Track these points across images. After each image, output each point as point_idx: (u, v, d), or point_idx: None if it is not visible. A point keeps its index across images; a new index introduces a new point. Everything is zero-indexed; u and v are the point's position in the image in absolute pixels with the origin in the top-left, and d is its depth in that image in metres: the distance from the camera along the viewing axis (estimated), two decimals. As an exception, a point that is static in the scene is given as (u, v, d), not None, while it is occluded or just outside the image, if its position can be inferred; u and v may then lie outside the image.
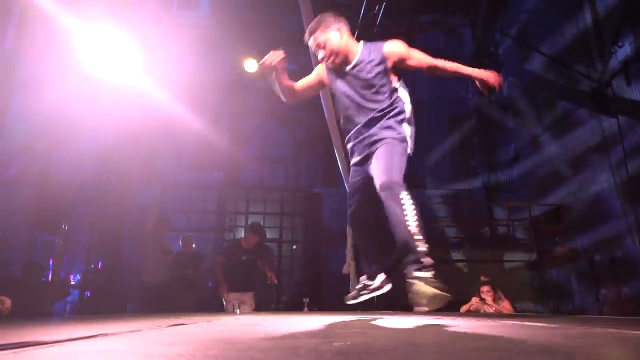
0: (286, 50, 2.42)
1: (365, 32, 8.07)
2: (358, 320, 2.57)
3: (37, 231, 7.00)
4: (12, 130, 6.68)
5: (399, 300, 6.82)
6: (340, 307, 6.16)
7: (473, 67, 2.42)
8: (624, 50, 6.79)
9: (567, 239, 7.75)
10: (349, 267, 6.23)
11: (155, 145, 8.54)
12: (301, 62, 9.25)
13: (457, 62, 2.45)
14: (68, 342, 1.11)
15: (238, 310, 4.95)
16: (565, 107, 8.19)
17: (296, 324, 2.12)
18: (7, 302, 2.29)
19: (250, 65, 8.18)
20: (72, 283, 7.43)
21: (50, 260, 6.94)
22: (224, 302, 5.21)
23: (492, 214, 9.57)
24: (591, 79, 7.34)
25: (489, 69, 2.33)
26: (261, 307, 5.61)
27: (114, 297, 6.76)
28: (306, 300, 5.52)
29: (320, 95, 5.97)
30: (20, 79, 6.75)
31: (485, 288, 5.04)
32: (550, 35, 8.52)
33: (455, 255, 7.30)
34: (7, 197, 6.99)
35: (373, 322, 2.25)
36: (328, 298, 7.42)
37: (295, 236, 9.13)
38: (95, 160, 7.80)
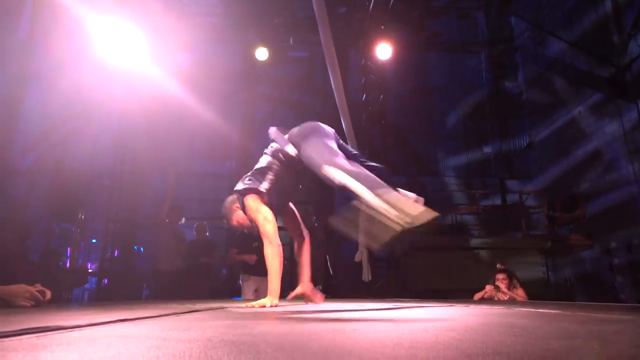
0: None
1: (377, 17, 7.97)
2: (370, 308, 2.58)
3: (55, 220, 7.14)
4: (28, 120, 6.78)
5: (411, 289, 6.82)
6: (352, 294, 6.20)
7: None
8: (645, 33, 6.61)
9: (582, 226, 7.65)
10: (361, 255, 6.25)
11: (168, 135, 8.60)
12: (311, 49, 9.23)
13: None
14: (88, 328, 1.14)
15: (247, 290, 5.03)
16: (582, 92, 8.02)
17: (311, 310, 2.14)
18: (48, 294, 2.36)
19: (261, 53, 8.15)
20: (90, 270, 7.58)
21: (68, 249, 7.09)
22: (242, 287, 5.30)
23: (507, 202, 9.49)
24: (610, 63, 7.16)
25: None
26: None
27: (130, 285, 6.88)
28: (319, 287, 5.56)
29: (332, 82, 5.93)
30: (34, 68, 6.82)
31: (500, 276, 5.01)
32: (567, 19, 8.31)
33: (470, 242, 7.27)
34: (25, 186, 7.13)
35: (386, 310, 2.25)
36: (340, 285, 7.46)
37: (308, 224, 9.14)
38: (109, 149, 7.90)
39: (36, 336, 0.92)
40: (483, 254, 7.08)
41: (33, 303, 2.20)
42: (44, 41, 6.89)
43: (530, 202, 8.76)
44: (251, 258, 5.20)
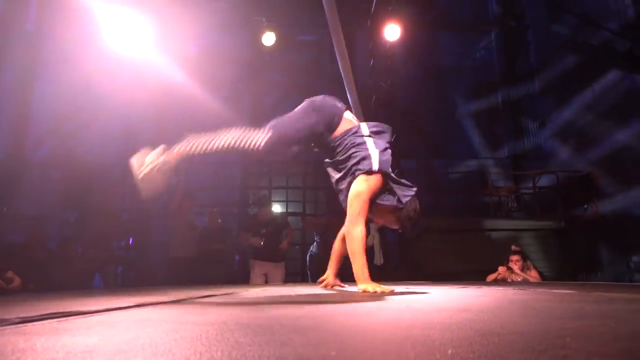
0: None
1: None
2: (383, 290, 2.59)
3: (69, 210, 7.25)
4: (39, 112, 6.84)
5: (423, 272, 6.83)
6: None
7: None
8: (662, 6, 6.41)
9: (596, 205, 7.56)
10: (373, 238, 6.26)
11: (177, 124, 8.61)
12: (319, 32, 9.12)
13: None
14: (106, 312, 1.16)
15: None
16: (596, 68, 7.83)
17: (323, 294, 2.16)
18: (16, 281, 2.45)
19: (268, 38, 8.07)
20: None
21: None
22: (251, 272, 5.37)
23: (519, 182, 9.39)
24: (626, 37, 6.98)
25: None
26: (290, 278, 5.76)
27: (144, 272, 6.99)
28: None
29: (340, 66, 5.87)
30: (43, 60, 6.85)
31: (514, 257, 5.00)
32: (581, -7, 8.08)
33: (482, 224, 7.23)
34: (39, 178, 7.24)
35: (397, 291, 2.26)
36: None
37: (319, 209, 9.15)
38: (119, 140, 7.95)
39: (57, 321, 0.94)
40: (495, 235, 7.04)
41: None
42: (51, 32, 6.91)
43: (542, 182, 8.65)
44: (258, 242, 5.28)
